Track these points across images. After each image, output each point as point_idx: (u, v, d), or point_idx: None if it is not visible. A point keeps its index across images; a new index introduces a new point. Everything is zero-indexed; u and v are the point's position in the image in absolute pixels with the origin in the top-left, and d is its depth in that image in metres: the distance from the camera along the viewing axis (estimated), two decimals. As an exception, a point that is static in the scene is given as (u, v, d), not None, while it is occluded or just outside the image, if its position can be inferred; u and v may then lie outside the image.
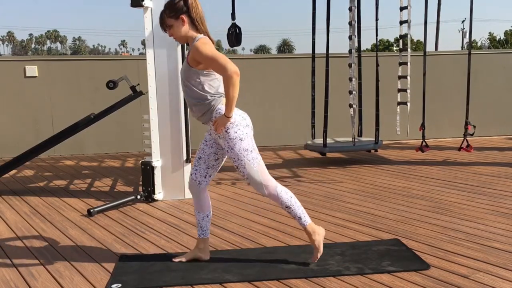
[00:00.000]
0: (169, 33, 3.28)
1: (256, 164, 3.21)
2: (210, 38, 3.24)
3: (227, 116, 3.13)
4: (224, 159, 3.46)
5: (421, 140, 6.70)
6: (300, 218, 3.30)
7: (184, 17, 3.20)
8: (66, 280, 3.22)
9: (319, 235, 3.33)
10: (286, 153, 7.81)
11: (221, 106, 3.20)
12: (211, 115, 3.22)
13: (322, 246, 3.34)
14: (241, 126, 3.20)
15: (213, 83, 3.21)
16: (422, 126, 6.66)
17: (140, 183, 5.51)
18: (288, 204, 3.27)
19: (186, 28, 3.22)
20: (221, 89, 3.21)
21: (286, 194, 3.27)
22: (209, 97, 3.20)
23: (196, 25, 3.21)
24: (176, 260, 3.45)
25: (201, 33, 3.23)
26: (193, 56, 3.15)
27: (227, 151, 3.23)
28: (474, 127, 6.69)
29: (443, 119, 8.67)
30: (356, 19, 6.50)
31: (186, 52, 5.20)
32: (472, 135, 6.78)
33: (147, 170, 5.14)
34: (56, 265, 3.47)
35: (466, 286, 2.99)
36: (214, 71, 3.15)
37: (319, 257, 3.33)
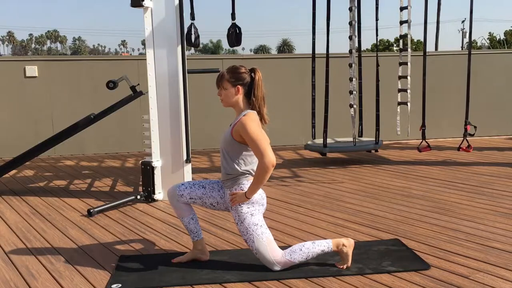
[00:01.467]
0: (219, 92, 3.26)
1: (265, 238, 3.20)
2: (263, 117, 3.23)
3: (247, 197, 3.15)
4: (217, 210, 3.45)
5: (421, 140, 6.72)
6: (323, 251, 3.23)
7: (240, 88, 3.19)
8: (66, 280, 3.22)
9: (346, 246, 3.24)
10: (286, 153, 7.81)
11: (246, 183, 3.20)
12: (233, 186, 3.22)
13: (349, 260, 3.25)
14: (256, 204, 3.22)
15: (251, 159, 3.21)
16: (423, 126, 6.67)
17: (140, 183, 5.51)
18: (305, 257, 3.20)
19: (237, 99, 3.21)
20: (255, 167, 3.18)
21: (295, 253, 3.20)
22: (240, 172, 3.20)
23: (251, 102, 3.20)
24: (176, 260, 3.45)
25: (252, 108, 3.22)
26: (238, 130, 3.14)
27: (237, 223, 3.25)
28: (475, 127, 6.68)
29: (443, 119, 8.66)
30: (356, 19, 6.51)
31: (185, 51, 5.20)
32: (472, 135, 6.78)
33: (147, 170, 5.14)
34: (56, 265, 3.47)
35: (466, 286, 2.99)
36: (252, 151, 3.15)
37: (344, 267, 3.24)
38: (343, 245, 3.24)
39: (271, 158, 3.05)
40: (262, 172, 3.06)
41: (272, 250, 3.20)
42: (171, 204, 3.43)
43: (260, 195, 3.24)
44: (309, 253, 3.21)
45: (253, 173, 3.20)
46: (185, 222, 3.41)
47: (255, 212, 3.22)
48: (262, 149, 3.06)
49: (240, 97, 3.21)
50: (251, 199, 3.18)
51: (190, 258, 3.44)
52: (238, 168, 3.20)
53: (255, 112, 3.22)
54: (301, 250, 3.21)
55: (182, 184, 3.39)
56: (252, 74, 3.22)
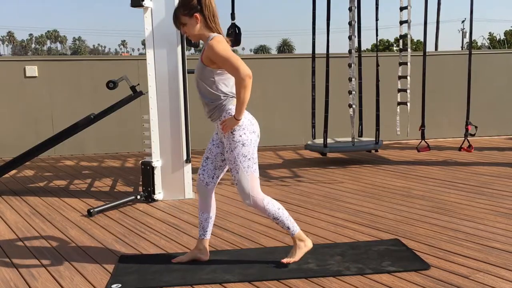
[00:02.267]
0: (182, 31, 3.27)
1: (249, 173, 3.19)
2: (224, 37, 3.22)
3: (236, 119, 3.12)
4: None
5: (420, 140, 6.72)
6: (288, 228, 3.30)
7: (198, 15, 3.17)
8: (66, 280, 3.22)
9: (304, 246, 3.34)
10: (286, 153, 7.81)
11: (232, 107, 3.18)
12: (221, 114, 3.20)
13: (299, 256, 3.33)
14: (248, 131, 3.19)
15: (227, 82, 3.18)
16: (422, 126, 6.67)
17: (140, 183, 5.51)
18: (276, 216, 3.26)
19: (199, 27, 3.19)
20: (235, 89, 3.17)
21: (273, 206, 3.25)
22: (222, 97, 3.18)
23: (209, 23, 3.19)
24: (176, 260, 3.45)
25: (214, 32, 3.20)
26: (207, 55, 3.12)
27: (227, 151, 3.22)
28: (476, 127, 6.68)
29: (443, 119, 8.67)
30: (356, 19, 6.50)
31: (185, 51, 5.20)
32: (473, 135, 6.78)
33: (147, 170, 5.14)
34: (56, 265, 3.47)
35: (466, 286, 2.99)
36: (227, 72, 3.13)
37: (290, 262, 3.30)
38: (304, 241, 3.33)
39: (245, 70, 3.01)
40: (241, 86, 3.03)
41: (253, 187, 3.21)
42: (201, 197, 3.42)
43: (249, 121, 3.21)
44: (280, 217, 3.26)
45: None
46: (203, 218, 3.43)
47: (247, 142, 3.18)
48: (236, 65, 3.02)
49: (201, 25, 3.18)
50: (241, 124, 3.16)
51: (190, 258, 3.45)
52: (219, 93, 3.18)
53: (220, 35, 3.20)
54: (278, 209, 3.27)
55: (199, 174, 3.40)
56: None
